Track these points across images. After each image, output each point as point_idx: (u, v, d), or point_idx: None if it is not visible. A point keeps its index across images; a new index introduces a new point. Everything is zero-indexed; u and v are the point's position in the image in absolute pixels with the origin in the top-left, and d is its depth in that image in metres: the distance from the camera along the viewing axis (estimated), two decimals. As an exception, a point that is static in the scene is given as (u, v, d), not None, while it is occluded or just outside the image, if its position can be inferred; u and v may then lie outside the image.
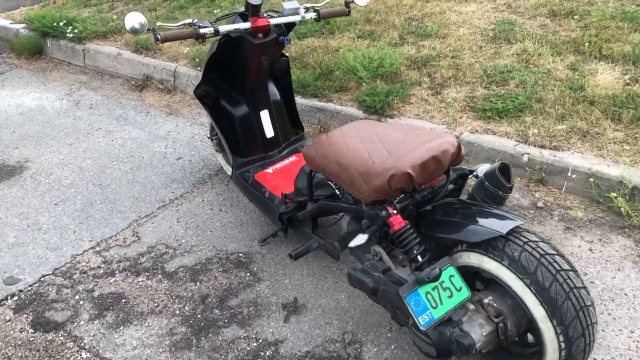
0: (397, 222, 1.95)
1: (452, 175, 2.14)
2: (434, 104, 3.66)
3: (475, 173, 2.17)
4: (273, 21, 2.65)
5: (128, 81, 4.99)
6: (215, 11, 5.39)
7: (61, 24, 5.47)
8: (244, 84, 2.87)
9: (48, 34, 5.61)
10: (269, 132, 2.99)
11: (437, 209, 2.08)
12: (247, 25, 2.59)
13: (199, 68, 4.53)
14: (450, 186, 2.13)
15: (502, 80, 3.74)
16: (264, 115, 2.96)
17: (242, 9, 2.70)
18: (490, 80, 3.77)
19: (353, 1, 2.84)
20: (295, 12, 2.72)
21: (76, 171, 3.63)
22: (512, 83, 3.70)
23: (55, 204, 3.29)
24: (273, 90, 3.03)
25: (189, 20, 2.56)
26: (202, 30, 2.48)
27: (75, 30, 5.37)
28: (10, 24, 6.22)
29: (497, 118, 3.41)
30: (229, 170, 3.11)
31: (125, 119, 4.32)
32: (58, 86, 5.02)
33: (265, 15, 2.66)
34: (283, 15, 2.71)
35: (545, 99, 3.48)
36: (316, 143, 2.27)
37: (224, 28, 2.55)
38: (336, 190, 2.34)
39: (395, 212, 1.96)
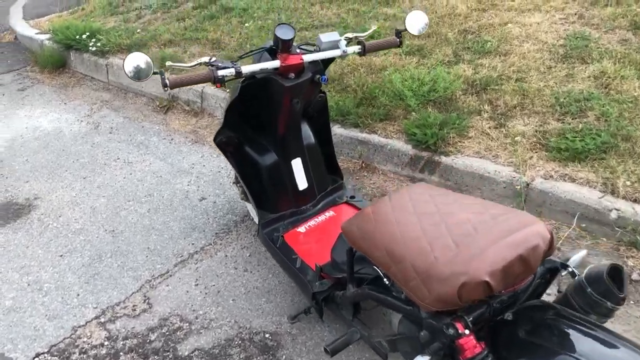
0: (471, 346, 1.44)
1: (540, 269, 1.63)
2: (497, 139, 3.10)
3: (571, 269, 1.64)
4: (308, 58, 2.16)
5: (153, 100, 4.59)
6: (246, 24, 4.92)
7: (84, 36, 5.10)
8: (272, 130, 2.40)
9: (71, 47, 5.27)
10: (302, 183, 2.51)
11: (521, 320, 1.56)
12: (275, 63, 2.11)
13: (227, 90, 4.08)
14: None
15: (579, 111, 3.15)
16: (296, 164, 2.48)
17: (271, 42, 2.22)
18: (564, 110, 3.19)
19: (406, 29, 2.33)
20: (335, 45, 2.23)
21: (88, 212, 3.23)
22: (591, 114, 3.12)
23: (61, 256, 2.90)
24: (307, 132, 2.54)
25: (206, 59, 2.11)
26: (220, 73, 2.02)
27: (99, 44, 5.00)
28: (36, 34, 5.91)
29: (576, 160, 2.84)
30: (256, 217, 2.65)
31: (146, 147, 3.91)
32: (79, 105, 4.66)
33: (298, 50, 2.17)
34: (320, 50, 2.23)
35: (634, 136, 2.89)
36: (359, 217, 1.79)
37: (247, 69, 2.08)
38: (384, 279, 1.85)
39: (467, 331, 1.45)
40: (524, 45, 3.89)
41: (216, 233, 2.98)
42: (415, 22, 2.32)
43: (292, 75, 2.16)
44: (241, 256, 2.79)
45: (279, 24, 2.12)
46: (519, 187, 2.78)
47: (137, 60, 1.95)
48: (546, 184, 2.75)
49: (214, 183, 3.41)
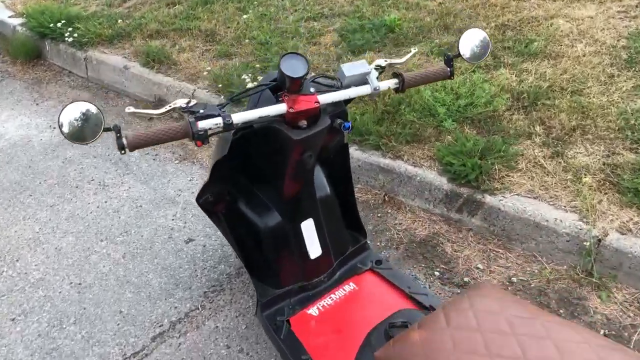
0: None
1: None
2: (554, 174, 2.49)
3: None
4: (325, 99, 1.55)
5: (136, 104, 3.96)
6: (247, 13, 4.25)
7: (59, 24, 4.44)
8: (275, 186, 1.80)
9: (46, 35, 4.61)
10: (314, 250, 1.92)
11: None
12: (281, 108, 1.51)
13: (222, 96, 3.45)
14: None
15: (657, 138, 2.53)
16: (307, 226, 1.88)
17: (274, 74, 1.60)
18: (636, 135, 2.57)
19: (459, 54, 1.70)
20: (362, 79, 1.62)
21: (51, 256, 2.65)
22: (672, 143, 2.50)
23: (13, 320, 2.33)
24: (321, 181, 1.94)
25: (182, 102, 1.51)
26: (202, 125, 1.43)
27: (75, 34, 4.34)
28: (9, 17, 5.24)
29: (661, 209, 2.23)
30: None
31: (126, 165, 3.31)
32: (52, 107, 4.03)
33: (312, 89, 1.55)
34: (342, 86, 1.61)
35: None
36: (402, 347, 1.23)
37: (241, 117, 1.48)
38: None
39: None
40: (576, 45, 3.23)
41: (205, 292, 2.40)
42: (472, 43, 1.70)
43: (303, 123, 1.55)
44: (236, 329, 2.21)
45: (285, 54, 1.50)
46: (587, 243, 2.18)
47: (78, 112, 1.35)
48: (624, 242, 2.15)
49: (203, 218, 2.81)
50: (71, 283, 2.50)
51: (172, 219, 2.84)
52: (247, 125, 1.52)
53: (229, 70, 3.50)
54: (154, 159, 3.35)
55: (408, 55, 1.78)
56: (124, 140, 1.37)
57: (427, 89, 2.98)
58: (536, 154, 2.60)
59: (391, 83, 1.66)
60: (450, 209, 2.60)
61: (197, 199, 1.82)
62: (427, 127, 2.85)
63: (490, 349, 1.13)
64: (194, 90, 3.59)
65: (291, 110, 1.50)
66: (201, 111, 1.48)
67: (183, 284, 2.44)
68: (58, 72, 4.57)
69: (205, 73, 3.62)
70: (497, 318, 1.21)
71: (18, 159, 3.44)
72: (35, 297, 2.44)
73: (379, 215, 2.72)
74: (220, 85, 3.43)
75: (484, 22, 3.61)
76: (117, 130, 1.37)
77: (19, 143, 3.61)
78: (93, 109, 1.36)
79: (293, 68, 1.48)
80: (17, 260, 2.65)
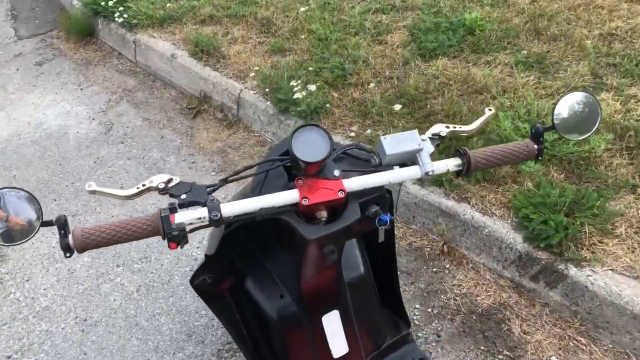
0: None
1: None
2: (664, 247, 1.95)
3: None
4: (354, 184, 1.13)
5: (181, 98, 3.63)
6: (304, 6, 3.78)
7: (111, 1, 4.15)
8: (289, 270, 1.40)
9: (99, 13, 4.34)
10: (339, 348, 1.51)
11: None
12: (291, 197, 1.09)
13: (269, 102, 3.05)
14: None
15: None
16: (331, 320, 1.47)
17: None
18: None
19: (554, 127, 1.22)
20: (411, 158, 1.17)
21: (62, 279, 2.39)
22: None
23: (9, 358, 2.08)
24: (354, 259, 1.52)
25: (160, 180, 1.14)
26: (178, 220, 1.04)
27: (126, 14, 4.04)
28: (69, -11, 5.02)
29: None
30: None
31: (159, 172, 2.98)
32: (96, 94, 3.77)
33: (336, 173, 1.12)
34: (381, 166, 1.18)
35: None
36: None
37: (234, 208, 1.08)
38: None
39: None
40: None
41: (218, 350, 2.06)
42: (574, 113, 1.21)
43: (322, 215, 1.12)
44: (247, 407, 1.85)
45: (299, 128, 1.07)
46: None
47: (7, 204, 0.99)
48: None
49: (232, 251, 2.45)
50: (77, 318, 2.23)
51: (198, 247, 2.50)
52: (243, 219, 1.12)
53: (280, 70, 3.08)
54: (191, 166, 3.02)
55: (480, 120, 1.30)
56: (70, 240, 1.01)
57: (506, 116, 2.45)
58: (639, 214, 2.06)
59: (451, 164, 1.20)
60: (524, 275, 2.11)
61: (192, 281, 1.44)
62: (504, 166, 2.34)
63: None
64: (241, 90, 3.20)
65: (305, 202, 1.08)
66: (183, 196, 1.09)
67: (196, 335, 2.11)
68: (108, 53, 4.31)
69: (253, 73, 3.22)
70: None
71: (51, 153, 3.20)
72: (37, 330, 2.19)
73: (434, 270, 2.27)
74: (267, 90, 3.03)
75: (585, 28, 3.00)
76: (60, 224, 1.00)
77: (55, 134, 3.38)
78: (26, 195, 1.01)
79: (309, 147, 1.05)
80: (27, 280, 2.41)
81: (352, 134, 2.67)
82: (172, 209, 1.05)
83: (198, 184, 1.13)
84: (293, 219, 1.12)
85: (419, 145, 1.15)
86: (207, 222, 1.07)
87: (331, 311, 1.46)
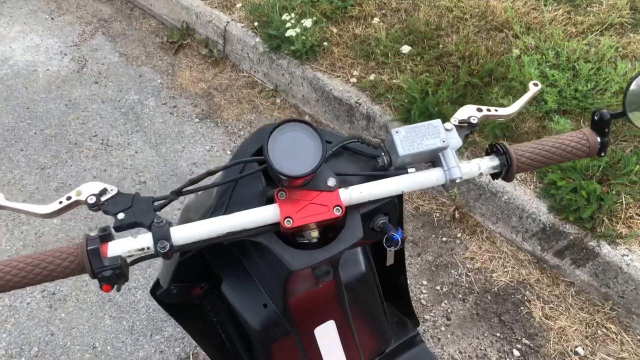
0: None
1: None
2: None
3: None
4: (355, 196, 0.83)
5: (162, 29, 3.25)
6: None
7: None
8: (274, 276, 1.13)
9: None
10: (334, 358, 1.26)
11: None
12: (270, 215, 0.79)
13: (259, 38, 2.68)
14: None
15: None
16: (325, 331, 1.21)
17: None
18: None
19: (625, 113, 0.90)
20: (432, 157, 0.87)
21: (29, 244, 2.15)
22: None
23: (-32, 339, 1.87)
24: (354, 256, 1.25)
25: (90, 192, 0.84)
26: (112, 253, 0.76)
27: None
28: None
29: None
30: None
31: (137, 118, 2.68)
32: (69, 24, 3.38)
33: (330, 182, 0.82)
34: (391, 168, 0.87)
35: None
36: None
37: (190, 233, 0.78)
38: None
39: None
40: None
41: None
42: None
43: (312, 235, 0.84)
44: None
45: (278, 125, 0.76)
46: None
47: None
48: None
49: (216, 214, 2.19)
50: (44, 291, 2.00)
51: (179, 208, 2.23)
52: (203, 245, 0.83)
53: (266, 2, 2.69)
54: (171, 113, 2.70)
55: (523, 100, 0.98)
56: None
57: (531, 60, 2.11)
58: (688, 184, 1.77)
59: (485, 166, 0.90)
60: (547, 250, 1.85)
61: (152, 291, 1.18)
62: (527, 119, 2.03)
63: None
64: (227, 22, 2.82)
65: (288, 224, 0.79)
66: (120, 216, 0.80)
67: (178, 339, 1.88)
68: (83, -24, 3.85)
69: (240, 3, 2.82)
70: None
71: (19, 94, 2.87)
72: (0, 305, 1.95)
73: (443, 239, 2.00)
74: (257, 24, 2.65)
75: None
76: None
77: (23, 72, 3.03)
78: None
79: (293, 154, 0.75)
80: (-11, 246, 2.15)
81: (353, 80, 2.33)
82: (104, 237, 0.76)
83: (142, 195, 0.83)
84: (273, 242, 0.83)
85: (444, 142, 0.85)
86: (152, 253, 0.78)
87: (326, 322, 1.21)
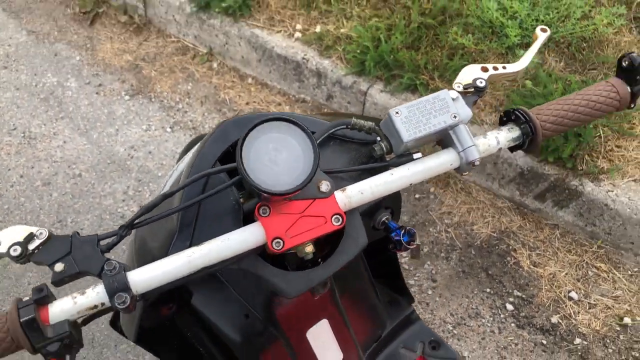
0: None
1: None
2: (693, 145, 1.61)
3: None
4: (356, 198, 0.67)
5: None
6: None
7: None
8: (253, 288, 0.96)
9: None
10: (331, 357, 1.13)
11: None
12: (253, 239, 0.62)
13: (183, -3, 2.41)
14: None
15: None
16: (318, 332, 1.07)
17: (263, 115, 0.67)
18: None
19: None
20: (440, 136, 0.71)
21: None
22: None
23: None
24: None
25: (16, 237, 0.64)
26: (58, 315, 0.60)
27: None
28: None
29: None
30: None
31: (60, 104, 2.39)
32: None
33: (324, 187, 0.65)
34: (392, 154, 0.71)
35: None
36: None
37: (154, 275, 0.61)
38: None
39: None
40: None
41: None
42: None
43: (306, 251, 0.67)
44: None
45: (253, 127, 0.57)
46: None
47: None
48: None
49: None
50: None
51: (123, 200, 2.02)
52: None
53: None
54: (97, 93, 2.42)
55: (532, 51, 0.83)
56: None
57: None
58: (662, 107, 1.69)
59: (505, 138, 0.75)
60: (526, 194, 1.76)
61: (112, 322, 0.99)
62: (490, 55, 1.89)
63: None
64: (145, -17, 2.52)
65: (278, 247, 0.62)
66: (58, 267, 0.60)
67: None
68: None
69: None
70: None
71: None
72: None
73: (416, 196, 1.88)
74: (179, -19, 2.37)
75: None
76: None
77: None
78: None
79: (274, 164, 0.58)
80: None
81: (297, 34, 2.12)
82: (41, 299, 0.57)
83: (83, 235, 0.63)
84: (261, 269, 0.67)
85: (455, 117, 0.69)
86: (108, 307, 0.60)
87: (318, 322, 1.06)
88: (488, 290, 1.63)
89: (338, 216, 0.65)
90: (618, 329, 1.51)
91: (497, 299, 1.61)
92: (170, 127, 2.23)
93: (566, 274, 1.62)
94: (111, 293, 0.58)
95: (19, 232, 0.62)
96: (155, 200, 0.65)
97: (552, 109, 0.76)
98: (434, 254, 1.73)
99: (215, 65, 2.44)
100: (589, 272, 1.62)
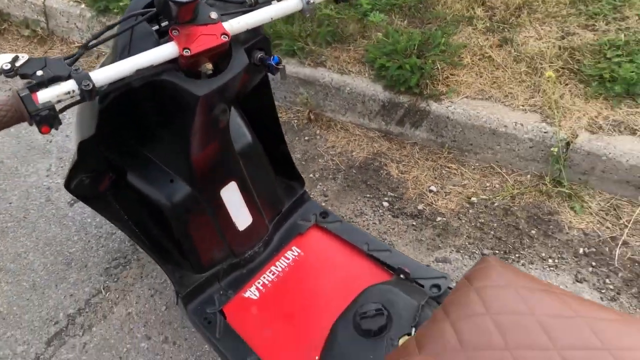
0: None
1: None
2: (506, 66, 2.12)
3: None
4: (237, 26, 1.03)
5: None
6: None
7: None
8: (177, 150, 1.28)
9: None
10: (243, 219, 1.46)
11: None
12: (169, 51, 0.96)
13: (83, 4, 2.71)
14: None
15: (613, 10, 2.19)
16: (229, 192, 1.40)
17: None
18: (591, 9, 2.21)
19: None
20: (287, -12, 1.09)
21: None
22: (631, 15, 2.17)
23: None
24: (239, 128, 1.44)
25: (5, 59, 0.92)
26: (42, 98, 0.86)
27: None
28: None
29: (631, 97, 1.94)
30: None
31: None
32: None
33: (213, 15, 1.01)
34: (256, 4, 1.08)
35: None
36: (403, 352, 0.88)
37: (106, 74, 0.92)
38: None
39: None
40: None
41: (106, 269, 1.90)
42: None
43: (208, 67, 1.02)
44: (153, 312, 1.77)
45: None
46: (555, 148, 1.87)
47: None
48: (596, 142, 1.86)
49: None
50: None
51: (47, 175, 2.24)
52: (119, 87, 0.97)
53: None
54: (5, 80, 2.63)
55: None
56: None
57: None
58: (481, 43, 2.20)
59: None
60: (390, 122, 2.19)
61: (67, 185, 1.27)
62: (349, 22, 2.34)
63: (504, 327, 0.83)
64: (46, -3, 2.80)
65: (187, 54, 0.96)
66: (39, 73, 0.90)
67: (76, 261, 1.93)
68: None
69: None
70: (512, 299, 0.88)
71: None
72: None
73: (306, 138, 2.26)
74: (78, -10, 2.67)
75: None
76: None
77: None
78: None
79: None
80: None
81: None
82: (32, 87, 0.87)
83: (52, 57, 0.94)
84: (177, 77, 1.00)
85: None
86: (78, 96, 0.90)
87: (228, 183, 1.39)
88: (368, 195, 2.02)
89: (225, 34, 1.00)
90: (467, 206, 1.94)
91: (375, 200, 2.00)
92: (83, 114, 2.49)
93: (426, 175, 2.05)
94: (78, 82, 0.88)
95: (7, 56, 0.92)
96: (102, 30, 0.98)
97: None
98: (324, 177, 2.10)
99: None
100: (443, 171, 2.06)
